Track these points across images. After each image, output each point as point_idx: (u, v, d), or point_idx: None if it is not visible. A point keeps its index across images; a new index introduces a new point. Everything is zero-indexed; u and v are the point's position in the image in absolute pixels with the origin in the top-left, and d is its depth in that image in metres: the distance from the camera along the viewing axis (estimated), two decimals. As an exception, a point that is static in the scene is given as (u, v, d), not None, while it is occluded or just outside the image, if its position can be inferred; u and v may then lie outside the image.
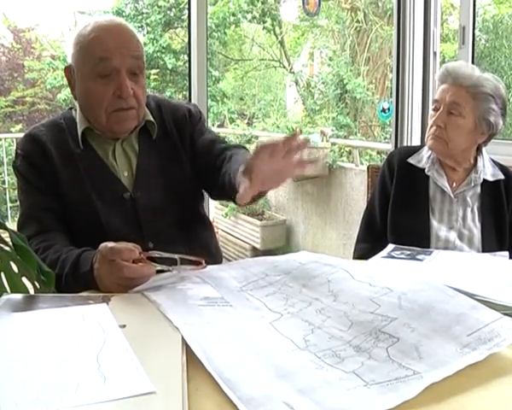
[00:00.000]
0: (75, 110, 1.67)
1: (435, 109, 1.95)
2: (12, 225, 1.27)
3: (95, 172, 1.59)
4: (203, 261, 1.38)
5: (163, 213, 1.62)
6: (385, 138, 7.80)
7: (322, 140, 5.62)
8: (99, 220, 1.54)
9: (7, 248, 1.19)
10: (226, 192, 1.53)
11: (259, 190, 1.34)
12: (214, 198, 1.86)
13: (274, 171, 1.28)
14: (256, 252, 5.97)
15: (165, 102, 1.76)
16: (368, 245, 1.97)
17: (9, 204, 7.27)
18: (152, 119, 1.66)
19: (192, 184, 1.69)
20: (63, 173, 1.57)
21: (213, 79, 8.84)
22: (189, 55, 3.26)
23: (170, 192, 1.63)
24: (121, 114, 1.56)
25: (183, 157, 1.69)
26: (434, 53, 3.39)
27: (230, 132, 7.99)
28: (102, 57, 1.51)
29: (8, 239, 1.20)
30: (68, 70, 1.60)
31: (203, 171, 1.68)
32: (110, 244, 1.27)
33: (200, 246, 1.61)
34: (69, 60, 1.61)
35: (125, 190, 1.60)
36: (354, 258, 1.99)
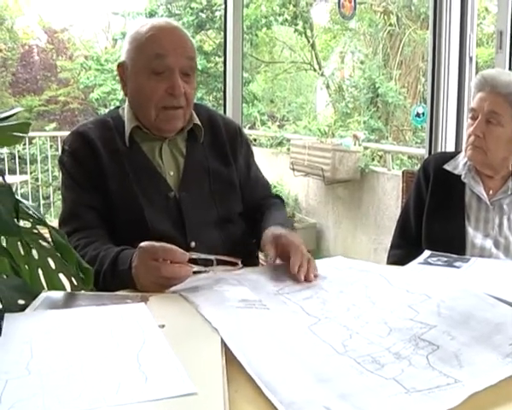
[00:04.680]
0: (122, 109, 1.71)
1: (473, 118, 1.91)
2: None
3: (140, 171, 1.61)
4: (239, 262, 1.39)
5: (206, 213, 1.63)
6: (416, 143, 7.73)
7: (355, 144, 5.59)
8: (143, 218, 1.56)
9: (45, 245, 1.20)
10: (251, 231, 1.71)
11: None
12: None
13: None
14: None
15: (217, 114, 1.84)
16: (402, 251, 1.96)
17: (42, 201, 7.40)
18: (199, 123, 1.70)
19: (236, 189, 1.73)
20: (109, 170, 1.59)
21: (244, 80, 8.87)
22: (225, 57, 3.27)
23: (214, 194, 1.66)
24: (170, 113, 1.59)
25: (231, 163, 1.73)
26: (470, 58, 3.35)
27: (262, 134, 7.99)
28: (158, 54, 1.55)
29: (47, 235, 1.22)
30: (122, 67, 1.64)
31: (243, 198, 1.76)
32: (149, 244, 1.28)
33: (241, 248, 1.61)
34: (123, 57, 1.64)
35: (170, 190, 1.62)
36: (388, 264, 1.97)
